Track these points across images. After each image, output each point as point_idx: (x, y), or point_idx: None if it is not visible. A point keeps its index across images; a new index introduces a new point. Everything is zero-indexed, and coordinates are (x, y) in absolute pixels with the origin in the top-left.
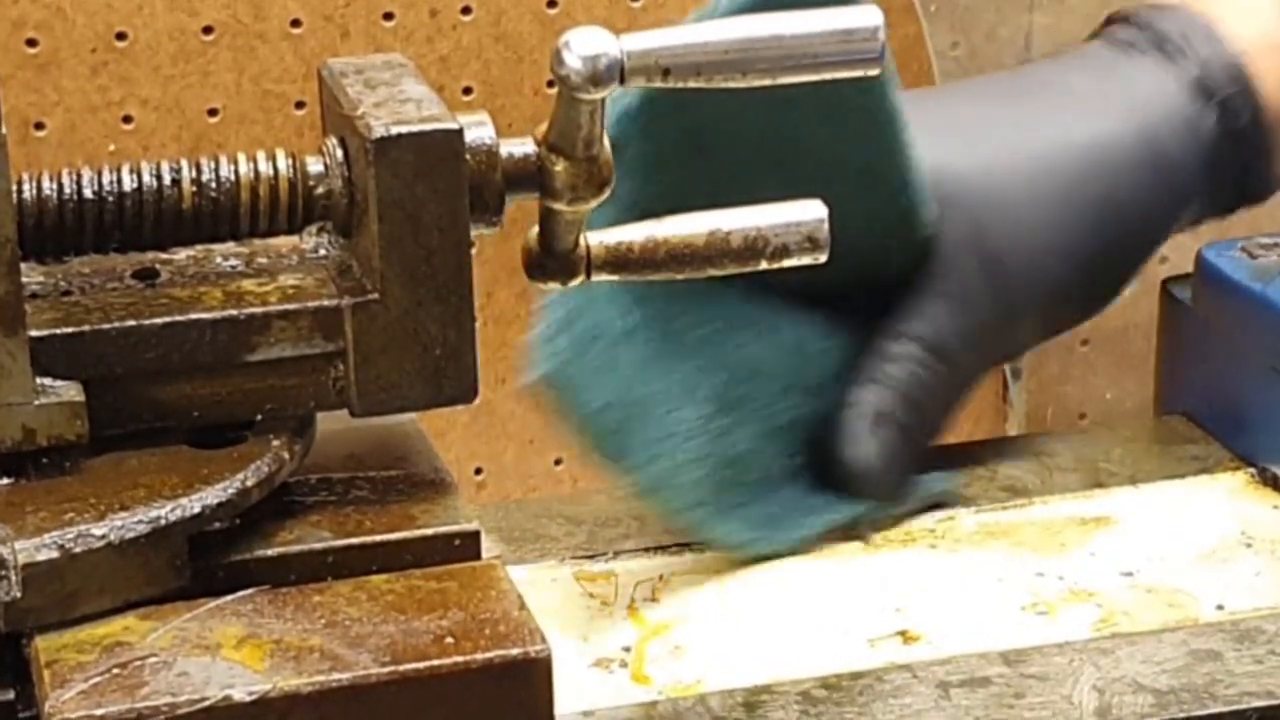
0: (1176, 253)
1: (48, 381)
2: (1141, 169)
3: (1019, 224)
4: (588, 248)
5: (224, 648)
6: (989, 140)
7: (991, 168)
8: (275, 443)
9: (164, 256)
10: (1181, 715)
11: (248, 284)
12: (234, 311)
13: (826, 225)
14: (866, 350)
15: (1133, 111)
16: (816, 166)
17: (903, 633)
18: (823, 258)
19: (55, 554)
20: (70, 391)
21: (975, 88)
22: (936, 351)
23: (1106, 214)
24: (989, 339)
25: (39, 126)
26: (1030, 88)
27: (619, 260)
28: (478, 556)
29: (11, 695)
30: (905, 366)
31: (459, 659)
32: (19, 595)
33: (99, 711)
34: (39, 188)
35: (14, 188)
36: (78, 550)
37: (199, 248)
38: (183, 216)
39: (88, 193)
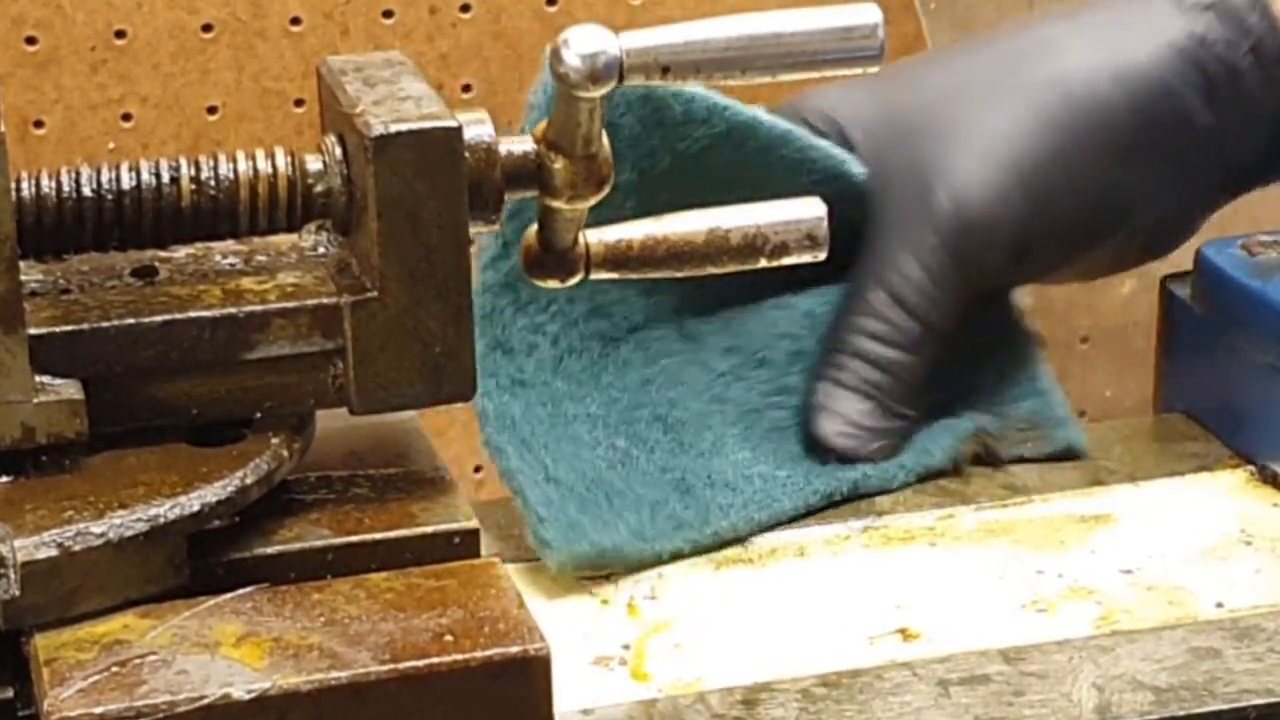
0: (1177, 250)
1: (47, 379)
2: (1112, 95)
3: (958, 157)
4: (587, 246)
5: (223, 646)
6: (936, 81)
7: (936, 105)
8: (274, 441)
9: (163, 254)
10: (1181, 713)
11: (247, 282)
12: (233, 309)
13: (826, 223)
14: (834, 318)
15: (1106, 39)
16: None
17: (902, 630)
18: (822, 255)
19: (54, 552)
20: (69, 389)
21: (954, 46)
22: (897, 300)
23: (1069, 142)
24: (956, 275)
25: (38, 124)
26: (1001, 33)
27: (618, 258)
28: (477, 554)
29: (11, 693)
30: (867, 325)
31: (458, 657)
32: (18, 593)
33: (98, 710)
34: (38, 186)
35: (13, 186)
36: (77, 548)
37: (198, 246)
38: (182, 214)
39: (87, 191)
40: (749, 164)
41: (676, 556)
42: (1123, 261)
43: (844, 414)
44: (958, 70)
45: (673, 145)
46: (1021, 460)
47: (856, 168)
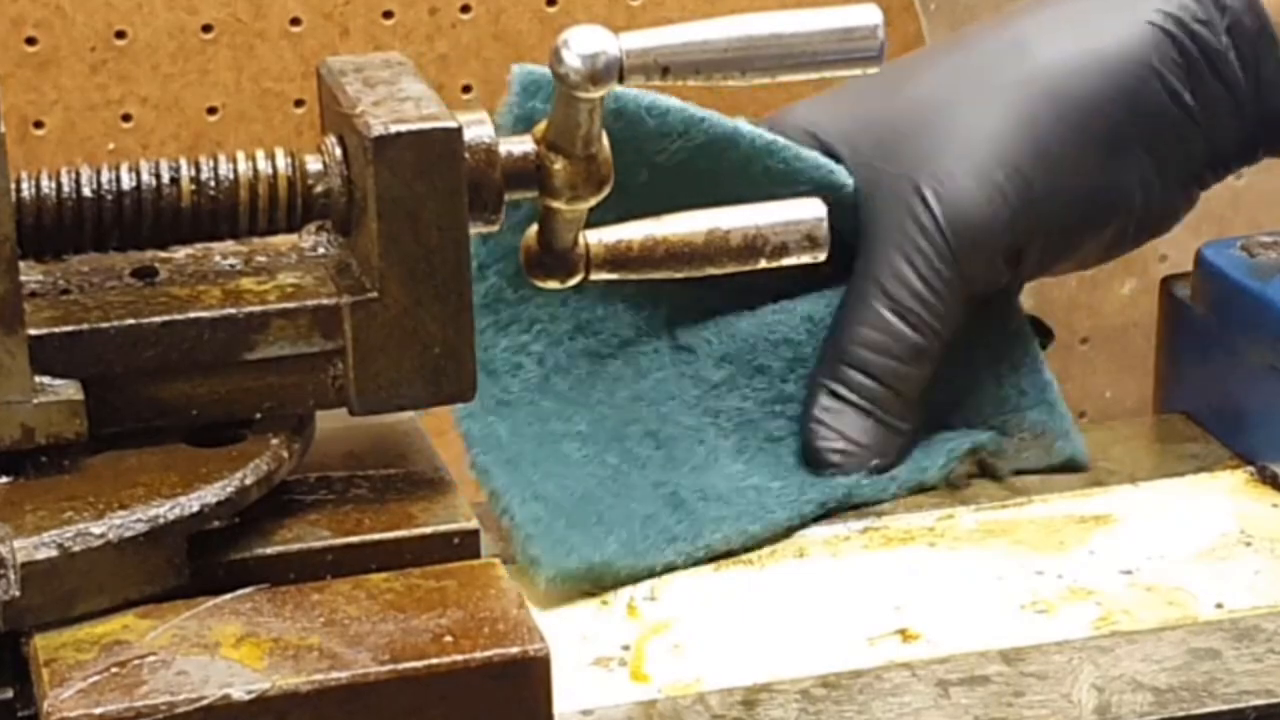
0: (1176, 251)
1: (47, 380)
2: (1092, 82)
3: (946, 162)
4: (587, 246)
5: (223, 646)
6: (916, 86)
7: (919, 110)
8: (274, 441)
9: (163, 255)
10: (1180, 714)
11: (247, 283)
12: (233, 310)
13: (826, 224)
14: (832, 327)
15: (1080, 26)
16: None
17: (902, 631)
18: (822, 256)
19: (54, 553)
20: (69, 390)
21: (930, 49)
22: (898, 312)
23: (1055, 136)
24: (954, 281)
25: (38, 125)
26: (975, 31)
27: (618, 259)
28: (477, 555)
29: (10, 694)
30: (866, 336)
31: (458, 657)
32: (18, 594)
33: (97, 710)
34: (38, 186)
35: (13, 186)
36: (76, 549)
37: (198, 246)
38: (182, 215)
39: (87, 191)
40: (732, 175)
41: (669, 569)
42: (1116, 249)
43: (842, 431)
44: (937, 73)
45: (649, 158)
46: (1021, 473)
47: (845, 178)
